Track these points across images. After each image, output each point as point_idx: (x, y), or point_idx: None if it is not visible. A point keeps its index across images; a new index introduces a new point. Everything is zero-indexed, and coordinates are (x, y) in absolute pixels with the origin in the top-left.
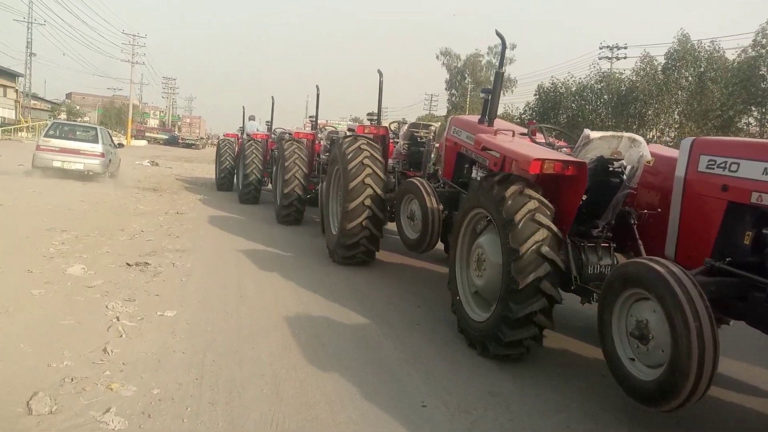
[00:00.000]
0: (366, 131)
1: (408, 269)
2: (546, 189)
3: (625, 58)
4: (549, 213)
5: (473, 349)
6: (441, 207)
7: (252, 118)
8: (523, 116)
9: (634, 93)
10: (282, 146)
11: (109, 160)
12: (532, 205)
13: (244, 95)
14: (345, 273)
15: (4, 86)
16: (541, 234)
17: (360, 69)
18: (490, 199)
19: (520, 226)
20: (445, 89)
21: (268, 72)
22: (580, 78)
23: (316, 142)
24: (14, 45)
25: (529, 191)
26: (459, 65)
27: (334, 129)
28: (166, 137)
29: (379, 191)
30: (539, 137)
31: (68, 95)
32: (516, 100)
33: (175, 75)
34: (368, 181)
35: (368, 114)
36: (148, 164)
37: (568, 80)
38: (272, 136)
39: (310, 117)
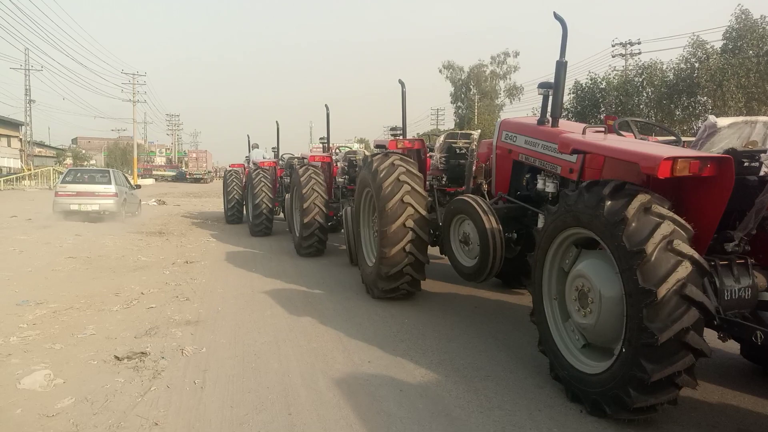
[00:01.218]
0: (399, 146)
1: (459, 298)
2: (671, 199)
3: (639, 53)
4: (687, 236)
5: (576, 403)
6: (500, 227)
7: (255, 146)
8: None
9: (688, 81)
10: (296, 172)
11: (124, 200)
12: (666, 228)
13: (248, 125)
14: (389, 310)
15: (8, 136)
16: (684, 269)
17: (363, 91)
18: (600, 219)
19: (653, 259)
20: (451, 102)
21: (271, 100)
22: (619, 71)
23: (333, 164)
24: (13, 93)
25: (658, 207)
26: (463, 77)
27: (350, 149)
28: (174, 174)
29: (421, 210)
30: (624, 134)
31: (74, 140)
32: (524, 107)
33: (178, 111)
34: (407, 199)
35: (391, 129)
36: (155, 203)
37: (609, 74)
38: (280, 162)
39: (321, 139)
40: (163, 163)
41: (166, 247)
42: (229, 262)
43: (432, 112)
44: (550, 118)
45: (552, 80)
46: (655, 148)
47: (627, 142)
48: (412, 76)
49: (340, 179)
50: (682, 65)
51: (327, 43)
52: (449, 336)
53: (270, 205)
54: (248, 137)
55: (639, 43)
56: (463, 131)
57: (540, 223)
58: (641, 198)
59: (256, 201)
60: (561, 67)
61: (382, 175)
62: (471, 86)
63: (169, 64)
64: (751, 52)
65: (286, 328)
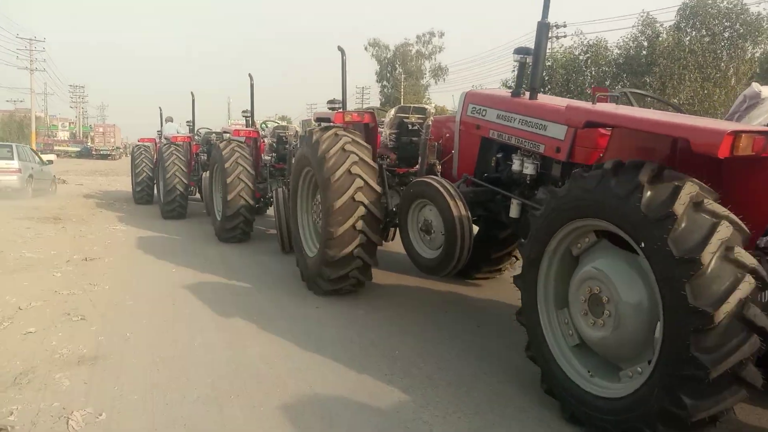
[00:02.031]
0: (347, 119)
1: (411, 291)
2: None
3: (564, 36)
4: (744, 240)
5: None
6: (469, 214)
7: (170, 119)
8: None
9: (637, 60)
10: (217, 148)
11: (29, 176)
12: (724, 231)
13: (160, 99)
14: (335, 308)
15: None
16: (746, 286)
17: (283, 68)
18: (634, 213)
19: (709, 271)
20: (376, 81)
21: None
22: (565, 47)
23: (260, 141)
24: None
25: (710, 203)
26: (389, 56)
27: (280, 125)
28: (78, 149)
29: (371, 182)
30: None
31: None
32: (449, 88)
33: (83, 82)
34: (355, 170)
35: (329, 102)
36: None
37: (555, 51)
38: (195, 137)
39: (244, 112)
40: (66, 138)
41: (60, 238)
42: (140, 256)
43: (357, 90)
44: (526, 91)
45: (531, 46)
46: (702, 121)
47: (660, 114)
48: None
49: (267, 157)
50: (630, 43)
51: (243, 16)
52: (414, 339)
53: (184, 185)
54: (160, 110)
55: (565, 26)
56: (416, 105)
57: (513, 210)
58: (690, 189)
59: (167, 180)
60: (543, 29)
61: (324, 146)
62: (397, 65)
63: (72, 30)
64: (704, 30)
65: (226, 366)
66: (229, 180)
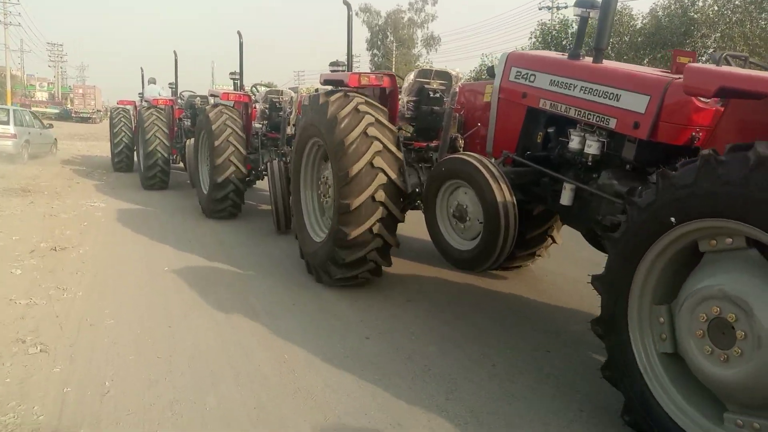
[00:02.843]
0: (364, 82)
1: (426, 282)
2: None
3: (566, 7)
4: None
5: None
6: (515, 200)
7: (152, 81)
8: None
9: (669, 29)
10: (205, 115)
11: (26, 141)
12: None
13: (143, 60)
14: (346, 301)
15: None
16: None
17: (270, 33)
18: None
19: None
20: (366, 49)
21: (169, 30)
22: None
23: (251, 106)
24: None
25: None
26: (380, 23)
27: (273, 89)
28: (57, 111)
29: (395, 177)
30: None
31: None
32: (442, 59)
33: (62, 41)
34: (379, 162)
35: (332, 64)
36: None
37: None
38: (179, 101)
39: (232, 74)
40: (45, 99)
41: (26, 218)
42: (121, 244)
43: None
44: (585, 51)
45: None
46: None
47: None
48: (325, 20)
49: (258, 125)
50: (659, 13)
51: None
52: (437, 336)
53: (166, 153)
54: (142, 70)
55: None
56: (439, 69)
57: (565, 196)
58: None
59: (148, 147)
60: None
61: (333, 107)
62: (388, 33)
63: None
64: None
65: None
66: (217, 143)
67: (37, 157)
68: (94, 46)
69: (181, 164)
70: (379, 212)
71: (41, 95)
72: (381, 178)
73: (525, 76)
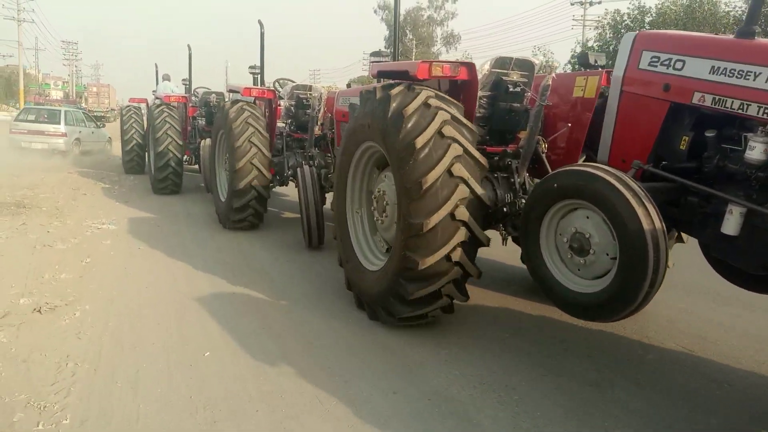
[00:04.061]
0: (435, 72)
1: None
2: None
3: (599, 2)
4: None
5: None
6: (665, 228)
7: (166, 77)
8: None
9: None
10: (225, 113)
11: (76, 140)
12: None
13: (158, 57)
14: (428, 350)
15: None
16: None
17: (290, 32)
18: None
19: None
20: (385, 47)
21: (184, 28)
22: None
23: (275, 103)
24: None
25: None
26: (399, 20)
27: (301, 84)
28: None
29: (476, 155)
30: None
31: None
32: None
33: (76, 39)
34: (449, 131)
35: (373, 54)
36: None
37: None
38: (193, 98)
39: (251, 68)
40: (59, 98)
41: (11, 251)
42: (133, 295)
43: (365, 56)
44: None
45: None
46: None
47: None
48: (344, 20)
49: (282, 124)
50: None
51: None
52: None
53: (178, 154)
54: (156, 66)
55: None
56: (519, 57)
57: (731, 224)
58: None
59: (159, 148)
60: None
61: (396, 103)
62: (407, 31)
63: None
64: None
65: None
66: (237, 144)
67: (91, 154)
68: (110, 44)
69: (196, 166)
70: (460, 234)
71: (56, 94)
72: (462, 191)
73: (668, 63)
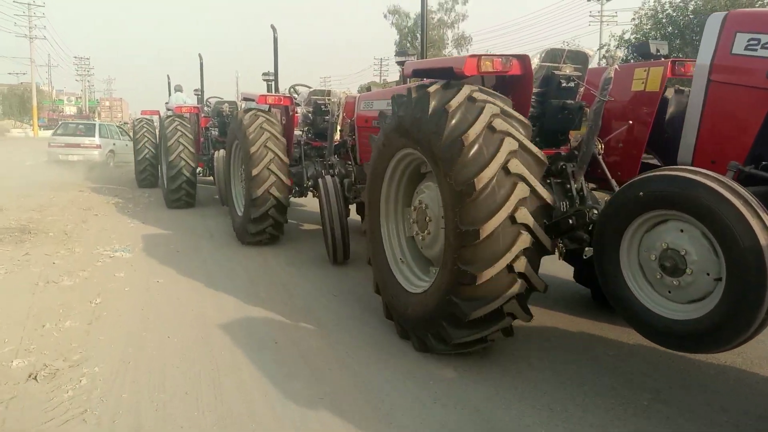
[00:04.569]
0: (485, 67)
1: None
2: None
3: None
4: None
5: None
6: None
7: (179, 88)
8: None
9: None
10: (238, 120)
11: (110, 151)
12: None
13: (170, 69)
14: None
15: None
16: None
17: (301, 40)
18: None
19: None
20: (396, 51)
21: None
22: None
23: (292, 111)
24: None
25: None
26: (409, 24)
27: (318, 89)
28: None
29: (536, 183)
30: None
31: None
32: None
33: (88, 54)
34: (515, 166)
35: (398, 54)
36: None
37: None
38: (205, 109)
39: (265, 75)
40: (73, 113)
41: (10, 289)
42: (152, 343)
43: (375, 61)
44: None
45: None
46: None
47: None
48: (353, 26)
49: (298, 132)
50: None
51: None
52: None
53: (191, 167)
54: (168, 78)
55: None
56: (572, 49)
57: None
58: None
59: (171, 161)
60: None
61: (456, 120)
62: (418, 34)
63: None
64: None
65: None
66: (252, 149)
67: (124, 167)
68: (122, 57)
69: (210, 178)
70: (522, 240)
71: (69, 109)
72: (522, 189)
73: None
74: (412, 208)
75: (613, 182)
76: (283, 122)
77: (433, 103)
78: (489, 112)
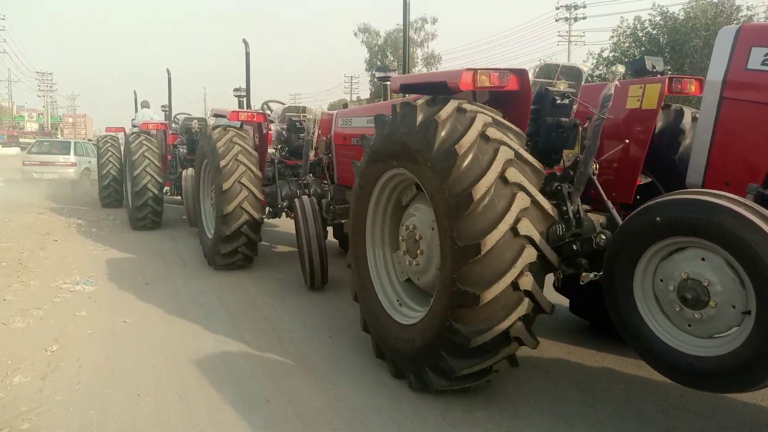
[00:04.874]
0: (482, 82)
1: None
2: None
3: (584, 18)
4: None
5: None
6: None
7: (145, 104)
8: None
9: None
10: (206, 135)
11: (86, 169)
12: None
13: (136, 85)
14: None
15: None
16: None
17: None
18: None
19: None
20: (366, 70)
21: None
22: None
23: (266, 128)
24: None
25: None
26: (379, 43)
27: (293, 106)
28: None
29: (533, 192)
30: None
31: None
32: None
33: (51, 69)
34: (513, 176)
35: (378, 69)
36: (1, 184)
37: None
38: (173, 125)
39: (237, 90)
40: (34, 130)
41: None
42: (120, 406)
43: (345, 79)
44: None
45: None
46: None
47: None
48: (324, 44)
49: (272, 150)
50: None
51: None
52: None
53: (158, 186)
54: (135, 94)
55: (584, 7)
56: (566, 64)
57: None
58: None
59: (136, 179)
60: None
61: (446, 131)
62: (388, 53)
63: (38, 14)
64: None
65: None
66: (222, 163)
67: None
68: (86, 73)
69: (177, 197)
70: (528, 254)
71: (31, 126)
72: (522, 199)
73: None
74: (400, 237)
75: (609, 204)
76: (256, 140)
77: (420, 116)
78: (481, 120)
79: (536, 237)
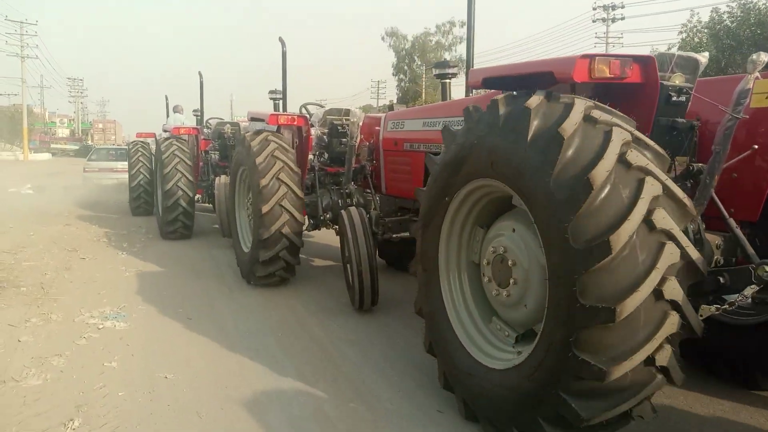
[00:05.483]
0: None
1: None
2: None
3: (622, 18)
4: None
5: None
6: None
7: (177, 109)
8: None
9: None
10: (244, 142)
11: None
12: None
13: (168, 90)
14: None
15: None
16: None
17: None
18: None
19: None
20: (393, 74)
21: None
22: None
23: (306, 132)
24: None
25: None
26: (407, 47)
27: (335, 108)
28: (77, 148)
29: (695, 261)
30: None
31: None
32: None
33: (82, 75)
34: (670, 254)
35: (437, 66)
36: (30, 191)
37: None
38: (205, 130)
39: (272, 93)
40: (65, 136)
41: None
42: None
43: (372, 84)
44: None
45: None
46: None
47: None
48: (350, 47)
49: (311, 156)
50: None
51: (258, 8)
52: None
53: (189, 196)
54: (167, 98)
55: (623, 7)
56: (682, 54)
57: None
58: None
59: (167, 188)
60: None
61: (572, 150)
62: (415, 57)
63: (70, 18)
64: None
65: None
66: (263, 182)
67: None
68: (116, 79)
69: (209, 205)
70: (670, 323)
71: (62, 132)
72: (671, 253)
73: None
74: (485, 261)
75: (732, 222)
76: (296, 145)
77: (536, 123)
78: (620, 138)
79: (681, 300)
